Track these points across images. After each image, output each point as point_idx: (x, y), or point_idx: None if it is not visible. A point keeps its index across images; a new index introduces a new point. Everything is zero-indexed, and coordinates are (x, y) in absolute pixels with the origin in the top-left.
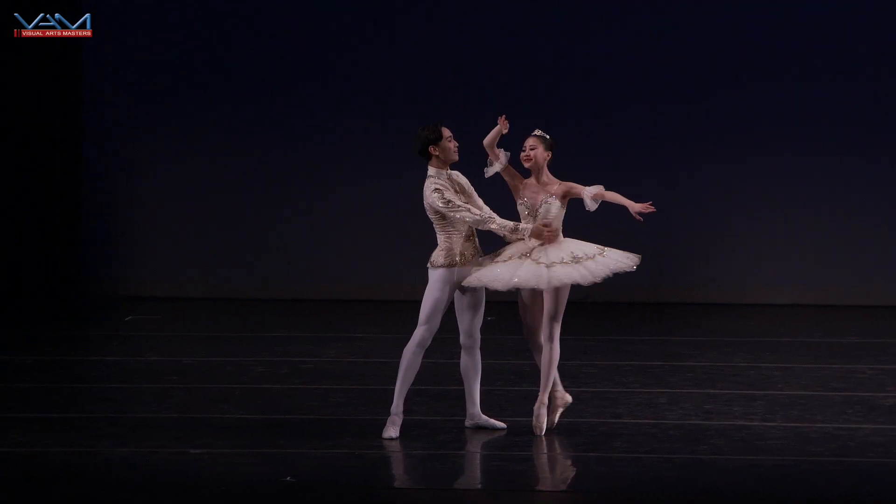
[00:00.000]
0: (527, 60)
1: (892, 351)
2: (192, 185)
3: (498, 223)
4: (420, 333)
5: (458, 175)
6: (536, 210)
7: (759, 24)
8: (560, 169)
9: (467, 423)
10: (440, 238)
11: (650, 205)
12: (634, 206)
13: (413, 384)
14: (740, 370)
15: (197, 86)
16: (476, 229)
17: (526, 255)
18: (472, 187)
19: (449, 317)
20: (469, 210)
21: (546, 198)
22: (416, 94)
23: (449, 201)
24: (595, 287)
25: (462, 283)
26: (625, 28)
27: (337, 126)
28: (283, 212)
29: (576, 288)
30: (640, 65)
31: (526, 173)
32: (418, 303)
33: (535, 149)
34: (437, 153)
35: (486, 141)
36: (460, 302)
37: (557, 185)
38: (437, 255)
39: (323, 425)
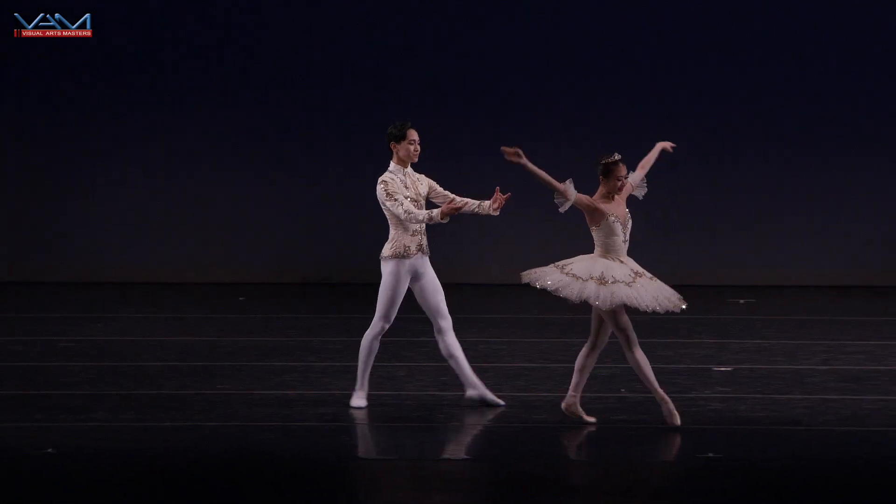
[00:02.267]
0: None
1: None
2: None
3: (421, 216)
4: (378, 326)
5: (419, 177)
6: (626, 223)
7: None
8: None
9: (470, 393)
10: (390, 231)
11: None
12: (663, 145)
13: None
14: (470, 345)
15: None
16: (424, 227)
17: (640, 273)
18: (438, 187)
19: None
20: (402, 204)
21: (627, 213)
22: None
23: (389, 194)
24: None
25: (597, 303)
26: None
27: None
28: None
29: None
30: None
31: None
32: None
33: (627, 177)
34: (397, 151)
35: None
36: (423, 293)
37: (624, 197)
38: (386, 248)
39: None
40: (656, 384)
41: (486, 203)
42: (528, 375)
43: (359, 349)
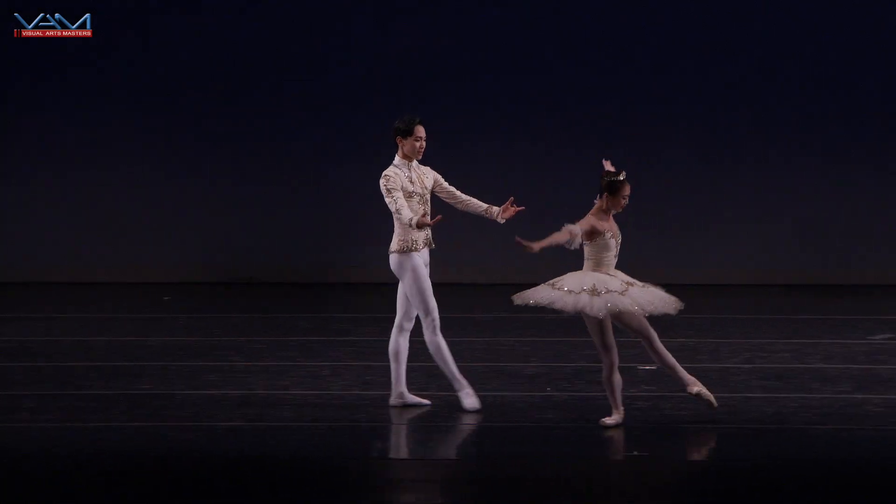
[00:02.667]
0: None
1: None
2: None
3: (405, 219)
4: (429, 324)
5: (425, 170)
6: (619, 240)
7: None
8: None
9: (394, 401)
10: (395, 225)
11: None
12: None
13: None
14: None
15: None
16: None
17: (632, 283)
18: (443, 182)
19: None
20: (395, 202)
21: (617, 227)
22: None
23: (389, 190)
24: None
25: (600, 314)
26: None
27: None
28: None
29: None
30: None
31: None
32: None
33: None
34: (402, 146)
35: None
36: (403, 288)
37: (611, 219)
38: (393, 242)
39: None
40: (620, 404)
41: (496, 209)
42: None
43: (431, 353)
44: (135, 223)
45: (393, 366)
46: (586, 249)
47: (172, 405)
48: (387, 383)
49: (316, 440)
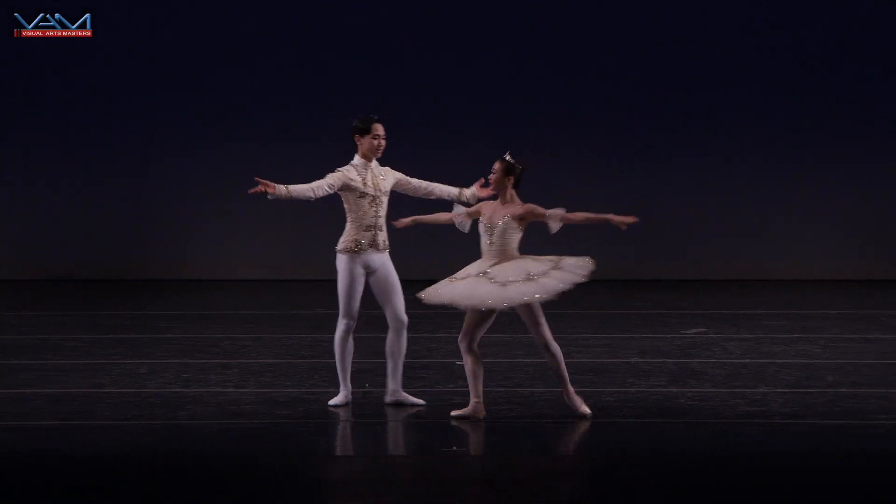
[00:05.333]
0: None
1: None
2: None
3: (311, 192)
4: (342, 324)
5: (384, 170)
6: (493, 227)
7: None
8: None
9: (388, 398)
10: (347, 224)
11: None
12: (615, 219)
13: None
14: (216, 341)
15: None
16: (381, 223)
17: (483, 273)
18: (405, 178)
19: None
20: (322, 180)
21: (503, 216)
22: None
23: (326, 177)
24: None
25: (422, 296)
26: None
27: None
28: None
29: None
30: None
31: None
32: None
33: (494, 173)
34: (361, 144)
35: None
36: (377, 289)
37: (519, 207)
38: (340, 241)
39: None
40: (479, 390)
41: (468, 191)
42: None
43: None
44: None
45: (389, 364)
46: (513, 237)
47: None
48: (206, 380)
49: (134, 438)
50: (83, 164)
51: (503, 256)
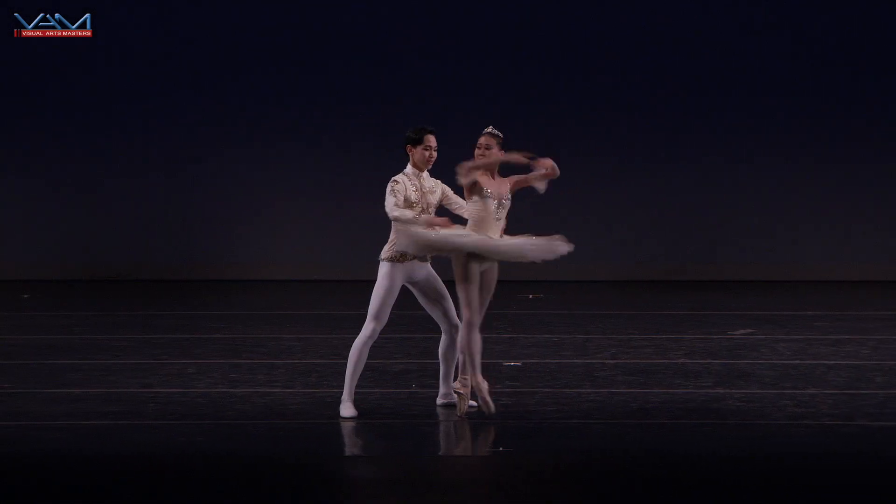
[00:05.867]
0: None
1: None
2: None
3: (407, 215)
4: (370, 328)
5: (434, 183)
6: (503, 202)
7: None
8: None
9: (440, 400)
10: (391, 233)
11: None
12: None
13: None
14: (262, 341)
15: None
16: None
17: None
18: (452, 195)
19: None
20: (393, 204)
21: (507, 190)
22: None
23: (393, 190)
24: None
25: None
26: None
27: None
28: None
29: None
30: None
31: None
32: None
33: (491, 148)
34: (412, 155)
35: (470, 165)
36: (425, 299)
37: (511, 181)
38: (385, 249)
39: None
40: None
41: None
42: (319, 371)
43: (349, 353)
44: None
45: (455, 360)
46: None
47: (34, 404)
48: (253, 381)
49: (182, 438)
50: (125, 161)
51: (503, 230)
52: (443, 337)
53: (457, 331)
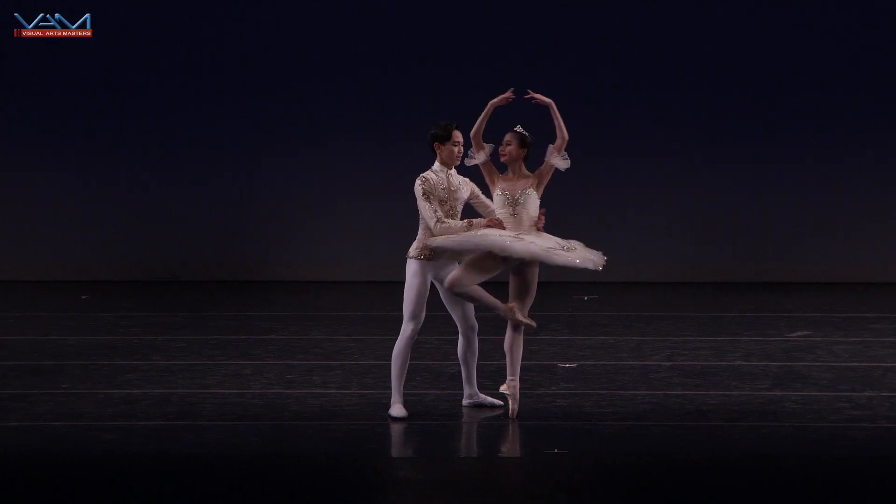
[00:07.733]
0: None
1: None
2: None
3: (450, 224)
4: (409, 329)
5: (462, 181)
6: (516, 198)
7: None
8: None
9: (466, 401)
10: (419, 230)
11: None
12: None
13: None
14: (318, 342)
15: None
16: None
17: (517, 236)
18: (480, 195)
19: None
20: (431, 209)
21: (524, 187)
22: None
23: (425, 193)
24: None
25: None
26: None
27: None
28: None
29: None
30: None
31: (502, 168)
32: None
33: (511, 144)
34: (440, 152)
35: (473, 132)
36: (447, 297)
37: (532, 178)
38: (413, 247)
39: None
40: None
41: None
42: (375, 372)
43: (392, 356)
44: (52, 221)
45: (464, 370)
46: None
47: (92, 404)
48: (309, 382)
49: (238, 439)
50: (183, 163)
51: (528, 225)
52: (460, 339)
53: (473, 332)
